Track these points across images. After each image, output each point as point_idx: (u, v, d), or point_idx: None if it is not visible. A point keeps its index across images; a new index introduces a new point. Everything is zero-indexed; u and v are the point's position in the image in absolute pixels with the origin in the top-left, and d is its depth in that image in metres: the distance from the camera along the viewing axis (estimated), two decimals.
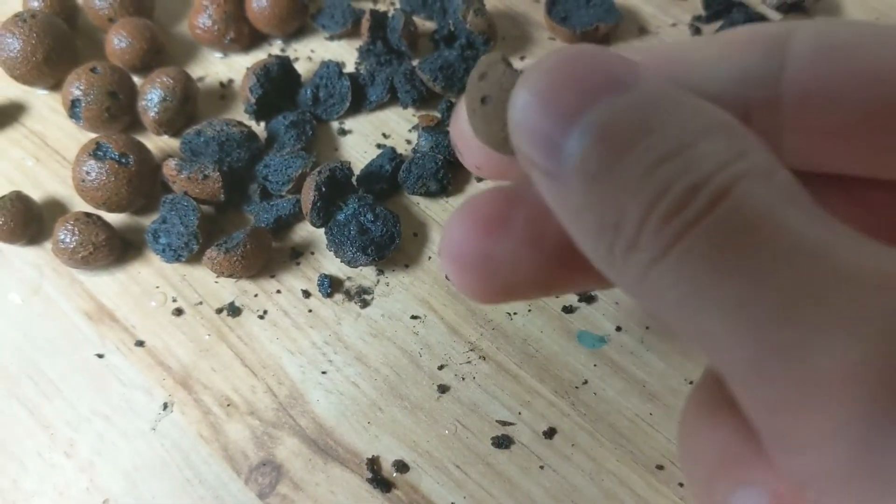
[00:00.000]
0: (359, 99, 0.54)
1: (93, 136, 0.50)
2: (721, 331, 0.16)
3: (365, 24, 0.55)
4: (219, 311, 0.45)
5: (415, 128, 0.53)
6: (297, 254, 0.47)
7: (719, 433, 0.20)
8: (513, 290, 0.24)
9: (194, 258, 0.46)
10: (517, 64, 0.55)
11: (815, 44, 0.20)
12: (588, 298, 0.45)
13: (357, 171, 0.49)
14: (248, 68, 0.53)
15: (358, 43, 0.57)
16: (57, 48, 0.53)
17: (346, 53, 0.57)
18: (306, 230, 0.48)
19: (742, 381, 0.17)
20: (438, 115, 0.53)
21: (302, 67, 0.55)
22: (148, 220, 0.48)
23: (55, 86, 0.55)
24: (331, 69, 0.53)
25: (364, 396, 0.42)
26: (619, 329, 0.44)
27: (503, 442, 0.41)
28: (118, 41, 0.54)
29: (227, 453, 0.41)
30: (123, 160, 0.47)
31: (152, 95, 0.51)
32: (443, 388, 0.42)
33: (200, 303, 0.46)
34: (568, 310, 0.45)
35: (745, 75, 0.21)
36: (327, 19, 0.58)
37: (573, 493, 0.39)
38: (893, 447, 0.15)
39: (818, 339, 0.15)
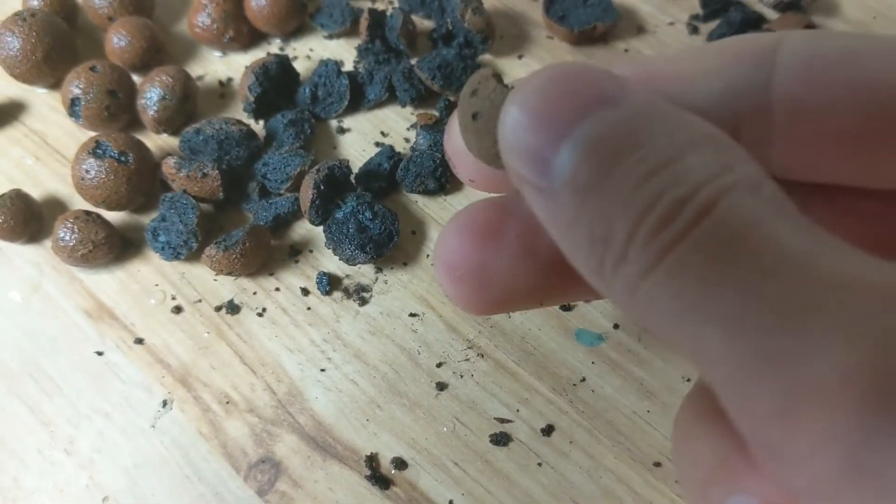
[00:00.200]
0: (357, 97, 0.54)
1: (92, 134, 0.50)
2: (711, 343, 0.17)
3: (363, 22, 0.55)
4: (218, 308, 0.46)
5: (413, 126, 0.53)
6: (296, 252, 0.48)
7: (712, 440, 0.20)
8: (506, 301, 0.24)
9: (193, 256, 0.46)
10: (515, 63, 0.55)
11: (804, 54, 0.20)
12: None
13: (355, 170, 0.50)
14: (246, 67, 0.53)
15: (356, 42, 0.57)
16: (57, 47, 0.53)
17: (344, 52, 0.57)
18: (305, 228, 0.49)
19: (732, 392, 0.17)
20: (437, 113, 0.53)
21: (301, 66, 0.56)
22: (147, 219, 0.48)
23: (55, 84, 0.55)
24: (329, 68, 0.53)
25: (363, 394, 0.42)
26: (616, 327, 0.44)
27: (501, 439, 0.41)
28: (118, 40, 0.54)
29: (227, 450, 0.41)
30: (123, 158, 0.47)
31: (152, 94, 0.51)
32: (441, 386, 0.42)
33: (199, 300, 0.46)
34: (566, 307, 0.45)
35: (735, 86, 0.21)
36: (326, 18, 0.58)
37: (571, 490, 0.39)
38: (886, 453, 0.15)
39: (808, 348, 0.16)
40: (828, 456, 0.15)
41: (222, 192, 0.47)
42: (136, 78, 0.54)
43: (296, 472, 0.40)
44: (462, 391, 0.42)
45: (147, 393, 0.43)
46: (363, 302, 0.46)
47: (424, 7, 0.59)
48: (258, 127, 0.53)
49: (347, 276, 0.47)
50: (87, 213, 0.46)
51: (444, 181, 0.49)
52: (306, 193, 0.46)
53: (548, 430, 0.41)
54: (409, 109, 0.54)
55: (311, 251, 0.48)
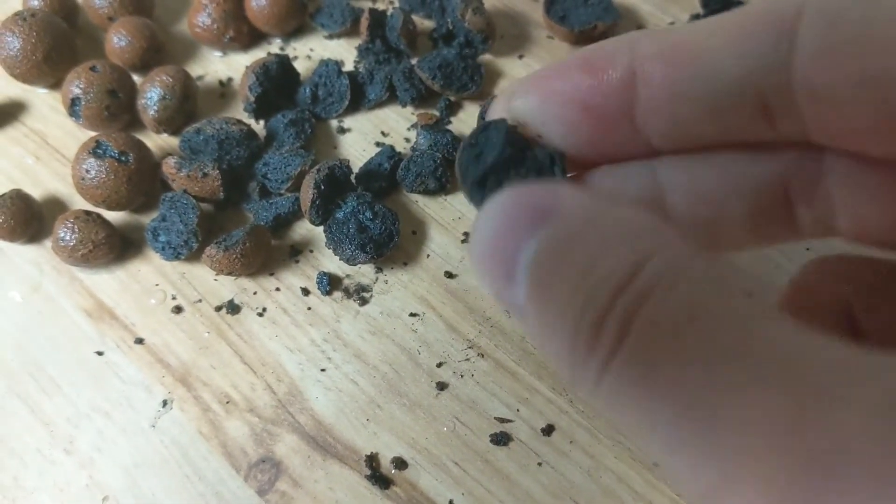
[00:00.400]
0: (357, 97, 0.54)
1: (92, 134, 0.50)
2: (651, 445, 0.18)
3: (364, 22, 0.55)
4: (218, 308, 0.46)
5: (413, 126, 0.53)
6: (296, 252, 0.48)
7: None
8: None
9: (194, 256, 0.46)
10: (516, 63, 0.55)
11: (823, 32, 0.20)
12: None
13: (356, 170, 0.50)
14: (247, 67, 0.53)
15: (357, 41, 0.57)
16: (57, 47, 0.53)
17: (344, 52, 0.57)
18: (305, 228, 0.49)
19: (678, 478, 0.18)
20: (437, 113, 0.53)
21: (301, 66, 0.56)
22: (147, 218, 0.48)
23: (55, 84, 0.55)
24: (330, 68, 0.53)
25: (363, 394, 0.42)
26: None
27: (501, 439, 0.41)
28: (118, 40, 0.54)
29: (227, 450, 0.41)
30: (123, 158, 0.47)
31: (152, 94, 0.51)
32: (441, 386, 0.42)
33: (200, 300, 0.46)
34: None
35: (756, 66, 0.21)
36: (326, 18, 0.58)
37: (571, 490, 0.39)
38: None
39: (728, 443, 0.16)
40: None
41: (222, 191, 0.47)
42: (136, 78, 0.54)
43: (296, 472, 0.40)
44: (462, 391, 0.42)
45: (147, 392, 0.43)
46: (363, 302, 0.46)
47: (425, 7, 0.59)
48: (258, 127, 0.53)
49: (348, 275, 0.47)
50: (88, 212, 0.46)
51: (444, 181, 0.49)
52: (307, 193, 0.46)
53: (548, 430, 0.41)
54: (409, 109, 0.54)
55: (311, 251, 0.48)
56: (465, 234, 0.48)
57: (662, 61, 0.22)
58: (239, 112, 0.54)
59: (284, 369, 0.43)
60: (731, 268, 0.18)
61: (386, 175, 0.49)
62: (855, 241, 0.24)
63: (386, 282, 0.46)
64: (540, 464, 0.40)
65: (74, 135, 0.53)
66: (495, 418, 0.41)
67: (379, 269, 0.47)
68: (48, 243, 0.48)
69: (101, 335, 0.45)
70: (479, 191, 0.24)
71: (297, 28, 0.58)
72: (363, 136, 0.53)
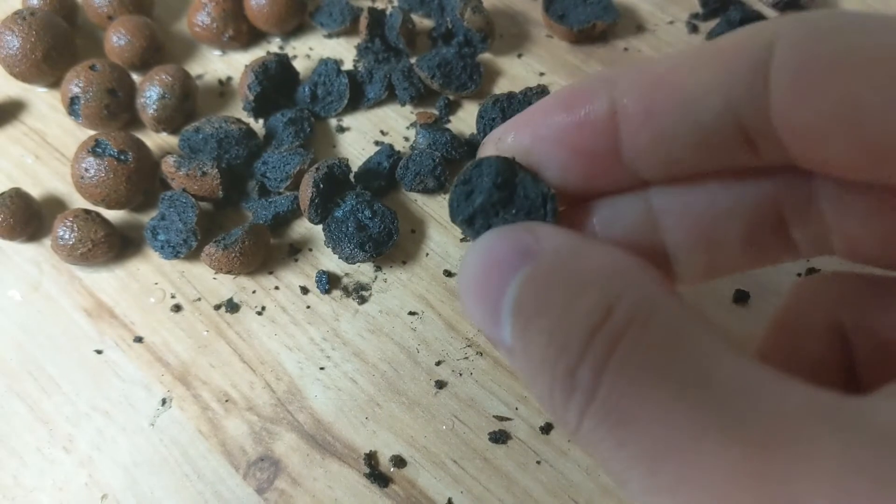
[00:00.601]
0: (357, 96, 0.54)
1: (92, 133, 0.50)
2: (630, 490, 0.19)
3: (363, 21, 0.55)
4: (217, 307, 0.46)
5: (413, 125, 0.53)
6: (296, 250, 0.48)
7: None
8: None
9: (193, 255, 0.46)
10: (515, 61, 0.55)
11: (794, 67, 0.20)
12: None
13: (355, 168, 0.50)
14: (246, 66, 0.53)
15: (356, 41, 0.57)
16: (56, 46, 0.53)
17: (344, 51, 0.57)
18: (304, 227, 0.49)
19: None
20: (436, 112, 0.53)
21: (300, 65, 0.56)
22: (147, 217, 0.49)
23: (54, 83, 0.55)
24: (329, 67, 0.53)
25: (362, 392, 0.42)
26: None
27: (500, 437, 0.41)
28: (117, 39, 0.54)
29: (226, 449, 0.41)
30: (122, 157, 0.47)
31: (151, 93, 0.51)
32: (440, 384, 0.42)
33: (199, 299, 0.46)
34: None
35: (735, 99, 0.21)
36: (325, 17, 0.58)
37: (570, 489, 0.39)
38: None
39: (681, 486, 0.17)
40: None
41: (222, 190, 0.47)
42: (135, 77, 0.54)
43: (295, 471, 0.40)
44: (461, 389, 0.42)
45: (146, 391, 0.43)
46: (362, 300, 0.46)
47: (424, 6, 0.59)
48: (258, 126, 0.53)
49: (347, 274, 0.47)
50: (87, 211, 0.46)
51: (443, 180, 0.49)
52: (306, 192, 0.46)
53: (547, 429, 0.41)
54: (408, 108, 0.54)
55: (310, 250, 0.48)
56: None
57: (641, 98, 0.22)
58: (238, 111, 0.54)
59: (283, 368, 0.43)
60: (694, 312, 0.19)
61: (385, 174, 0.49)
62: (850, 259, 0.24)
63: (385, 280, 0.46)
64: (539, 462, 0.40)
65: (74, 134, 0.53)
66: (494, 416, 0.41)
67: (378, 268, 0.47)
68: (48, 242, 0.48)
69: (101, 334, 0.45)
70: (469, 229, 0.24)
71: (296, 27, 0.58)
72: (362, 135, 0.53)
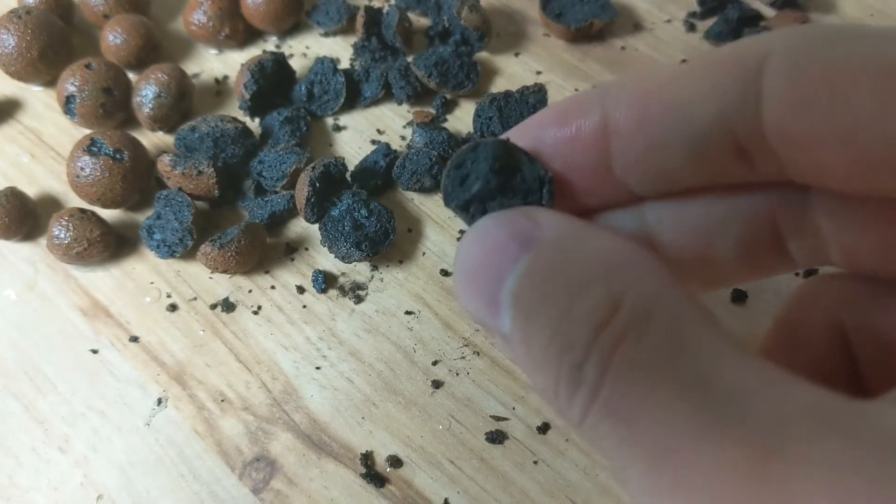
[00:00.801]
0: (353, 95, 0.54)
1: (88, 132, 0.50)
2: (631, 487, 0.18)
3: (360, 20, 0.55)
4: (213, 306, 0.45)
5: (409, 124, 0.53)
6: (292, 249, 0.47)
7: None
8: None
9: (189, 254, 0.46)
10: (512, 60, 0.55)
11: (787, 80, 0.20)
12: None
13: (351, 167, 0.50)
14: (242, 64, 0.53)
15: (353, 39, 0.57)
16: (52, 44, 0.53)
17: (340, 50, 0.57)
18: (300, 226, 0.48)
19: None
20: (433, 111, 0.53)
21: (297, 64, 0.56)
22: (142, 216, 0.48)
23: (50, 82, 0.55)
24: (325, 65, 0.53)
25: (358, 392, 0.42)
26: None
27: (497, 437, 0.41)
28: (113, 37, 0.54)
29: (222, 448, 0.41)
30: (118, 156, 0.47)
31: (147, 92, 0.51)
32: (437, 384, 0.42)
33: (195, 298, 0.46)
34: None
35: (728, 113, 0.21)
36: (322, 16, 0.58)
37: (567, 488, 0.39)
38: None
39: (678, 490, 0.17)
40: None
41: (218, 189, 0.47)
42: (131, 75, 0.54)
43: (291, 471, 0.40)
44: (458, 389, 0.42)
45: (142, 391, 0.43)
46: (359, 300, 0.45)
47: (421, 4, 0.58)
48: (254, 124, 0.53)
49: (343, 273, 0.46)
50: (83, 210, 0.46)
51: (440, 178, 0.49)
52: (302, 191, 0.46)
53: (544, 428, 0.41)
54: (405, 107, 0.54)
55: (306, 249, 0.48)
56: (461, 231, 0.48)
57: (633, 111, 0.22)
58: (234, 110, 0.54)
59: (279, 367, 0.43)
60: (698, 307, 0.19)
61: (381, 173, 0.49)
62: (848, 269, 0.24)
63: (381, 280, 0.46)
64: (536, 462, 0.40)
65: (69, 132, 0.53)
66: (491, 416, 0.41)
67: (374, 267, 0.47)
68: (43, 241, 0.47)
69: (96, 333, 0.45)
70: (464, 214, 0.24)
71: (293, 26, 0.58)
72: (359, 134, 0.53)
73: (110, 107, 0.51)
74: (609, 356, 0.18)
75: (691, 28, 0.58)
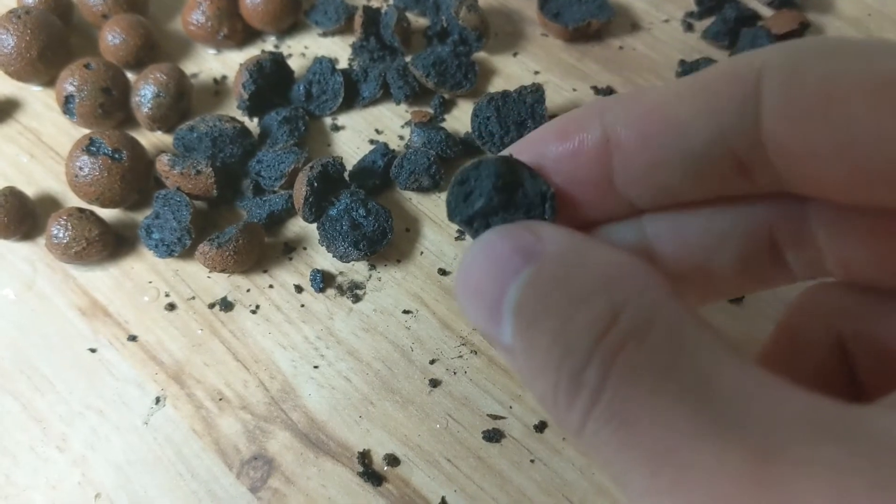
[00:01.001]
0: (352, 95, 0.54)
1: (86, 131, 0.50)
2: (630, 493, 0.19)
3: (358, 20, 0.55)
4: (211, 305, 0.46)
5: (407, 123, 0.53)
6: (290, 249, 0.48)
7: None
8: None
9: (187, 253, 0.46)
10: (510, 60, 0.55)
11: (783, 94, 0.20)
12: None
13: (350, 167, 0.50)
14: (241, 64, 0.53)
15: (351, 39, 0.57)
16: (51, 44, 0.53)
17: (339, 50, 0.57)
18: (299, 225, 0.49)
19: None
20: (431, 110, 0.53)
21: (295, 64, 0.56)
22: (141, 216, 0.48)
23: (49, 82, 0.55)
24: (324, 65, 0.53)
25: (356, 391, 0.42)
26: None
27: (494, 436, 0.41)
28: (112, 37, 0.54)
29: (219, 447, 0.41)
30: (116, 155, 0.47)
31: (146, 91, 0.51)
32: (434, 383, 0.42)
33: (193, 298, 0.46)
34: None
35: (727, 126, 0.21)
36: (320, 16, 0.58)
37: (564, 487, 0.39)
38: None
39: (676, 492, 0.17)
40: None
41: (216, 189, 0.47)
42: (130, 75, 0.54)
43: (288, 469, 0.40)
44: (455, 388, 0.42)
45: (140, 390, 0.43)
46: (357, 299, 0.45)
47: (419, 4, 0.58)
48: (252, 124, 0.53)
49: (341, 273, 0.47)
50: (81, 210, 0.46)
51: (438, 178, 0.49)
52: (300, 191, 0.46)
53: (541, 427, 0.41)
54: (403, 107, 0.54)
55: (304, 248, 0.48)
56: (459, 231, 0.48)
57: (634, 126, 0.22)
58: (233, 110, 0.54)
59: (277, 366, 0.43)
60: (696, 316, 0.19)
61: (380, 172, 0.49)
62: (845, 280, 0.24)
63: (379, 279, 0.46)
64: (533, 461, 0.40)
65: (68, 132, 0.53)
66: (488, 415, 0.41)
67: (372, 267, 0.47)
68: (42, 241, 0.48)
69: (95, 332, 0.45)
70: (468, 228, 0.24)
71: (291, 26, 0.58)
72: (357, 134, 0.53)
73: (109, 106, 0.51)
74: (611, 361, 0.18)
75: (689, 28, 0.58)
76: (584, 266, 0.20)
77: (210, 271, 0.46)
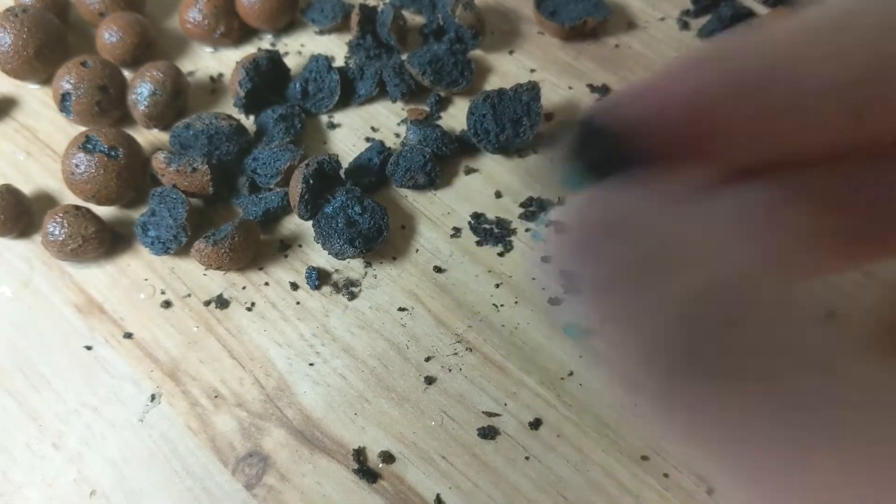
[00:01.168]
0: (348, 93, 0.54)
1: (83, 129, 0.50)
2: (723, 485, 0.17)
3: (354, 18, 0.55)
4: (207, 303, 0.46)
5: (403, 121, 0.53)
6: (286, 246, 0.48)
7: None
8: None
9: (183, 251, 0.47)
10: (506, 58, 0.55)
11: None
12: (575, 290, 0.45)
13: (345, 164, 0.50)
14: (237, 62, 0.53)
15: (347, 37, 0.57)
16: (48, 43, 0.53)
17: (335, 48, 0.57)
18: (294, 223, 0.49)
19: None
20: (427, 108, 0.53)
21: (292, 62, 0.56)
22: (137, 213, 0.49)
23: (46, 80, 0.55)
24: (320, 63, 0.53)
25: (351, 388, 0.42)
26: None
27: (489, 433, 0.41)
28: (109, 36, 0.54)
29: (215, 444, 0.41)
30: (113, 153, 0.47)
31: (142, 89, 0.51)
32: (429, 380, 0.42)
33: (189, 295, 0.46)
34: (554, 301, 0.45)
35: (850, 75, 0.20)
36: (317, 14, 0.58)
37: (559, 484, 0.39)
38: None
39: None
40: None
41: (212, 186, 0.47)
42: (127, 73, 0.54)
43: (283, 466, 0.40)
44: (450, 385, 0.42)
45: (136, 387, 0.43)
46: (352, 296, 0.46)
47: (415, 2, 0.59)
48: (248, 122, 0.53)
49: (337, 270, 0.47)
50: (77, 207, 0.46)
51: (433, 176, 0.49)
52: (296, 188, 0.46)
53: (535, 424, 0.41)
54: (399, 105, 0.54)
55: (300, 246, 0.48)
56: (454, 228, 0.48)
57: (745, 73, 0.21)
58: (229, 107, 0.54)
59: (273, 364, 0.43)
60: (806, 292, 0.18)
61: (375, 170, 0.49)
62: None
63: (375, 276, 0.46)
64: (527, 458, 0.40)
65: (65, 130, 0.53)
66: (483, 412, 0.41)
67: (368, 264, 0.47)
68: (38, 238, 0.48)
69: (91, 330, 0.45)
70: (577, 178, 0.23)
71: (288, 24, 0.58)
72: (353, 132, 0.53)
73: (106, 104, 0.51)
74: (706, 344, 0.17)
75: (685, 26, 0.58)
76: (688, 231, 0.19)
77: (206, 269, 0.47)
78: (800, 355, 0.16)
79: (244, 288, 0.46)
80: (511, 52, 0.57)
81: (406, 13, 0.58)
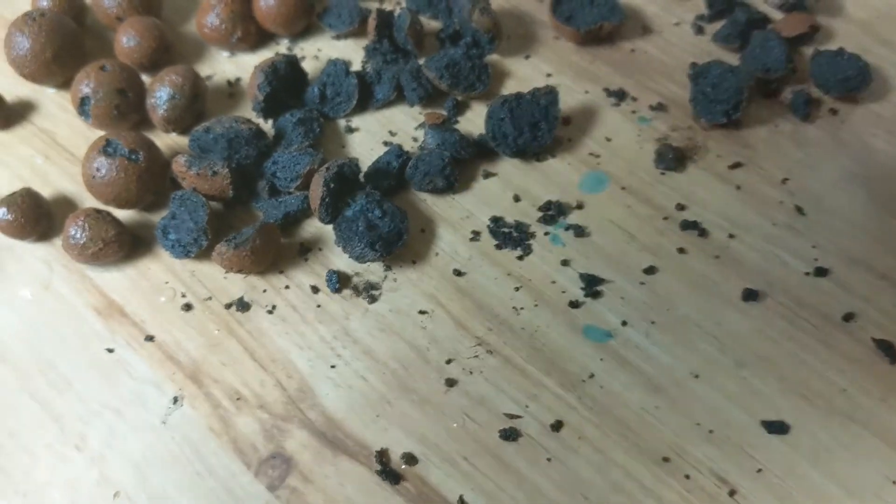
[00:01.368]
0: (365, 97, 0.54)
1: (102, 133, 0.50)
2: None
3: (371, 23, 0.55)
4: (228, 306, 0.46)
5: (421, 125, 0.53)
6: (306, 249, 0.48)
7: None
8: None
9: (203, 254, 0.47)
10: (522, 63, 0.55)
11: None
12: (594, 294, 0.45)
13: (364, 168, 0.50)
14: (255, 66, 0.53)
15: (364, 42, 0.57)
16: (66, 47, 0.53)
17: (352, 52, 0.58)
18: (314, 226, 0.49)
19: None
20: (444, 112, 0.53)
21: (309, 66, 0.56)
22: (157, 217, 0.49)
23: (64, 84, 0.55)
24: (338, 67, 0.54)
25: (372, 390, 0.43)
26: (624, 323, 0.44)
27: (511, 434, 0.41)
28: (127, 40, 0.54)
29: (237, 446, 0.41)
30: (133, 156, 0.47)
31: (161, 93, 0.51)
32: (450, 382, 0.43)
33: (209, 298, 0.46)
34: (574, 304, 0.45)
35: None
36: (334, 18, 0.58)
37: (580, 486, 0.40)
38: None
39: None
40: None
41: (232, 190, 0.48)
42: (145, 77, 0.54)
43: (306, 468, 0.40)
44: (471, 387, 0.42)
45: (157, 389, 0.43)
46: (373, 299, 0.46)
47: (432, 7, 0.59)
48: (267, 126, 0.53)
49: (357, 273, 0.47)
50: (98, 210, 0.47)
51: (452, 180, 0.49)
52: (316, 191, 0.46)
53: (557, 426, 0.41)
54: (417, 109, 0.54)
55: (320, 249, 0.48)
56: (473, 232, 0.48)
57: None
58: (247, 111, 0.54)
59: (294, 366, 0.43)
60: None
61: (394, 174, 0.50)
62: None
63: (395, 280, 0.46)
64: (549, 459, 0.40)
65: (83, 134, 0.53)
66: (504, 414, 0.42)
67: (388, 267, 0.47)
68: (58, 241, 0.48)
69: (112, 333, 0.45)
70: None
71: (304, 28, 0.58)
72: (371, 136, 0.53)
73: (124, 108, 0.51)
74: None
75: (699, 31, 0.58)
76: None
77: (226, 272, 0.47)
78: None
79: (265, 291, 0.46)
80: (527, 57, 0.57)
81: (423, 18, 0.58)
